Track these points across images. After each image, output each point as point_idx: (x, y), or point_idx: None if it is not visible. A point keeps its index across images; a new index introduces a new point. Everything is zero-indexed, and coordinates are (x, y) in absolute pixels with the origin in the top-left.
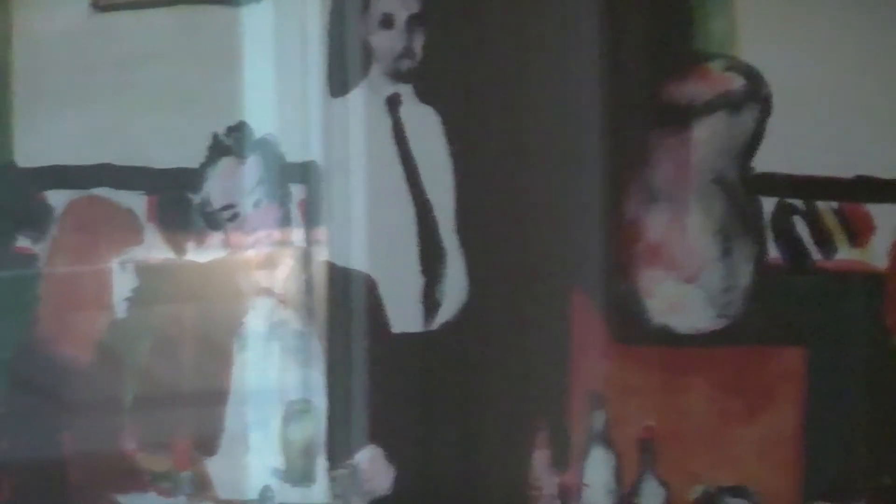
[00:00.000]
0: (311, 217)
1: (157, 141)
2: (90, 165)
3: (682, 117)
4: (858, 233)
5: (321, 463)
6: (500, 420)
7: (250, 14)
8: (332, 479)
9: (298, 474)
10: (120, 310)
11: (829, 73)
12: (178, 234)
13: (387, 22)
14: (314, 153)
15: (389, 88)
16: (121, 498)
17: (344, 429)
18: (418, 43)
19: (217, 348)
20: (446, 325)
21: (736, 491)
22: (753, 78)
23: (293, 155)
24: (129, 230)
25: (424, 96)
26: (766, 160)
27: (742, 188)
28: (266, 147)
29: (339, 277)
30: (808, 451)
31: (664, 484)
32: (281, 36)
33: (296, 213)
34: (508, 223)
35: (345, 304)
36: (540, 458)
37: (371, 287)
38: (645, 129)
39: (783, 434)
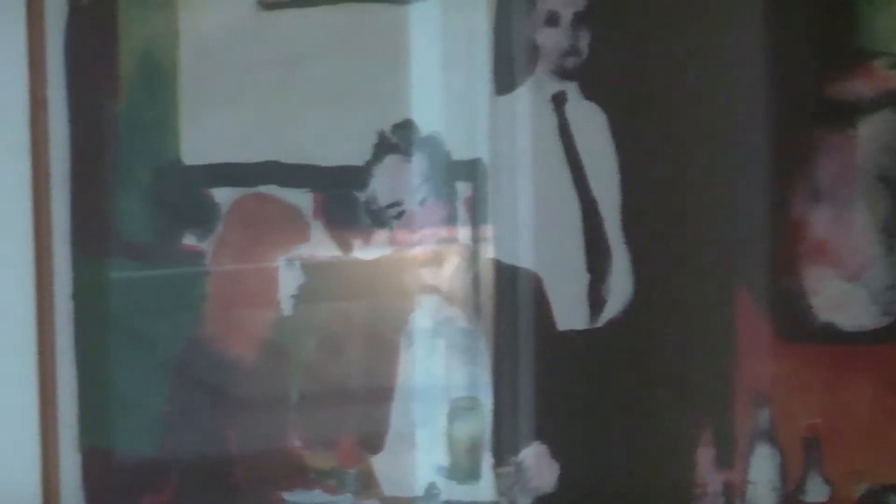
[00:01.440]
0: (477, 215)
1: (323, 139)
2: (256, 163)
3: (846, 115)
4: None
5: (487, 460)
6: (664, 417)
7: (417, 12)
8: (498, 477)
9: (464, 472)
10: (286, 307)
11: None
12: (345, 232)
13: (552, 20)
14: (480, 151)
15: (555, 86)
16: (286, 495)
17: (510, 426)
18: (584, 40)
19: (383, 346)
20: (612, 323)
21: None
22: None
23: (459, 153)
24: (295, 228)
25: (590, 94)
26: None
27: None
28: (432, 145)
29: (506, 275)
30: None
31: (829, 482)
32: (447, 34)
33: (462, 210)
34: (674, 220)
35: (511, 301)
36: (704, 456)
37: (537, 284)
38: (810, 126)
39: None
